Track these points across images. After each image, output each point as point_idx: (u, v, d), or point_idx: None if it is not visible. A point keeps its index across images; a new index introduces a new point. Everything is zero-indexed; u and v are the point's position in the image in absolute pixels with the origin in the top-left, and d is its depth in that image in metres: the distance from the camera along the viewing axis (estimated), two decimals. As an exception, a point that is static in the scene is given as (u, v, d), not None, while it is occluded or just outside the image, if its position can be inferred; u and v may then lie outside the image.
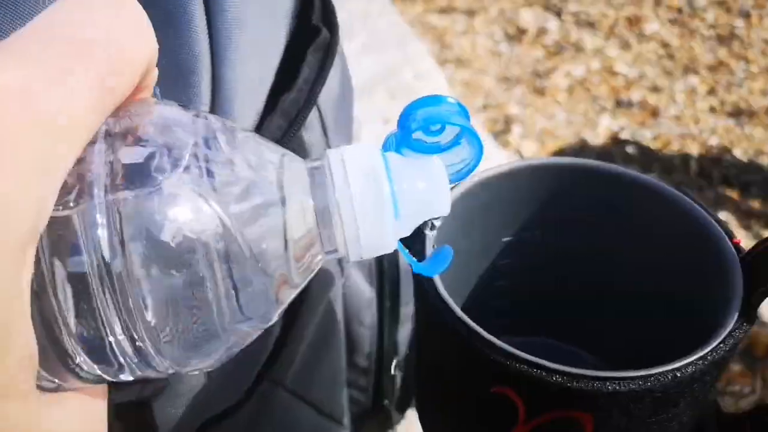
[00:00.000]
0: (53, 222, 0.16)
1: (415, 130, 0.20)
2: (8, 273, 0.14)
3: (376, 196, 0.19)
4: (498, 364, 0.23)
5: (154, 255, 0.16)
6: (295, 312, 0.41)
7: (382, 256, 0.51)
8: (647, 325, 0.30)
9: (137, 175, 0.17)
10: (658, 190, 0.28)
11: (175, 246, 0.17)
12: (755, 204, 1.19)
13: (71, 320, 0.16)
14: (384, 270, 0.50)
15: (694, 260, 0.27)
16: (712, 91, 1.51)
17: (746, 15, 1.69)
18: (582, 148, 1.37)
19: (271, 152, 0.20)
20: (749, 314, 0.24)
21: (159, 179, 0.17)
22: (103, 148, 0.17)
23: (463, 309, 0.24)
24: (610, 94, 1.55)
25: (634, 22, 1.75)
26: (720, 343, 0.23)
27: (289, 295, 0.20)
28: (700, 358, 0.22)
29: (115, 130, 0.17)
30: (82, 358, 0.17)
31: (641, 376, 0.22)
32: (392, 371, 0.55)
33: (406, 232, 0.20)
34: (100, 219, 0.16)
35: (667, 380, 0.22)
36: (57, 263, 0.16)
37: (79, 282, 0.16)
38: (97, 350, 0.17)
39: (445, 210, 0.20)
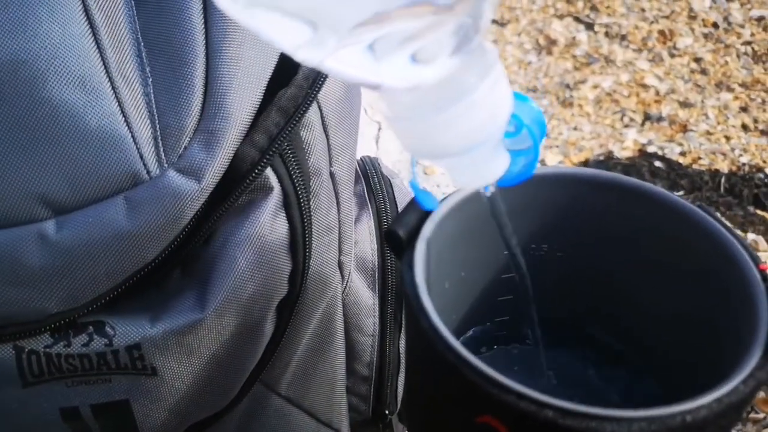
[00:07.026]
0: None
1: None
2: None
3: None
4: (484, 392, 0.21)
5: None
6: (288, 316, 0.39)
7: (387, 261, 0.49)
8: (665, 346, 0.28)
9: None
10: (684, 210, 0.26)
11: None
12: (786, 226, 1.15)
13: None
14: (387, 276, 0.48)
15: (717, 285, 0.25)
16: (745, 108, 1.47)
17: (784, 32, 1.65)
18: (607, 161, 1.34)
19: None
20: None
21: None
22: None
23: (460, 320, 0.22)
24: (639, 107, 1.52)
25: (667, 36, 1.71)
26: (740, 383, 0.20)
27: None
28: (716, 400, 0.20)
29: None
30: None
31: (644, 418, 0.19)
32: (396, 381, 0.53)
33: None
34: None
35: (674, 423, 0.19)
36: None
37: None
38: None
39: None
